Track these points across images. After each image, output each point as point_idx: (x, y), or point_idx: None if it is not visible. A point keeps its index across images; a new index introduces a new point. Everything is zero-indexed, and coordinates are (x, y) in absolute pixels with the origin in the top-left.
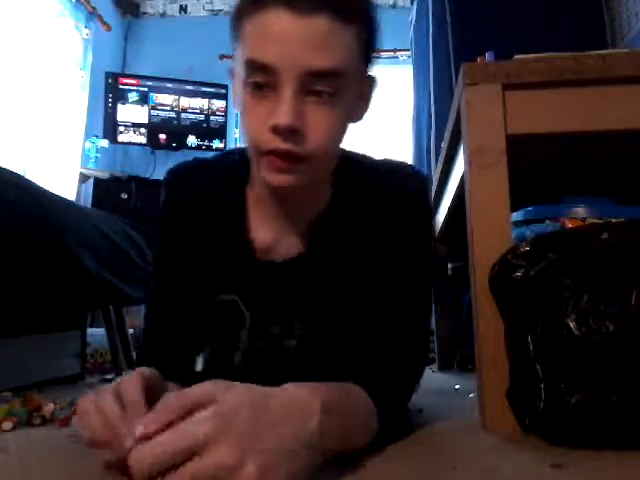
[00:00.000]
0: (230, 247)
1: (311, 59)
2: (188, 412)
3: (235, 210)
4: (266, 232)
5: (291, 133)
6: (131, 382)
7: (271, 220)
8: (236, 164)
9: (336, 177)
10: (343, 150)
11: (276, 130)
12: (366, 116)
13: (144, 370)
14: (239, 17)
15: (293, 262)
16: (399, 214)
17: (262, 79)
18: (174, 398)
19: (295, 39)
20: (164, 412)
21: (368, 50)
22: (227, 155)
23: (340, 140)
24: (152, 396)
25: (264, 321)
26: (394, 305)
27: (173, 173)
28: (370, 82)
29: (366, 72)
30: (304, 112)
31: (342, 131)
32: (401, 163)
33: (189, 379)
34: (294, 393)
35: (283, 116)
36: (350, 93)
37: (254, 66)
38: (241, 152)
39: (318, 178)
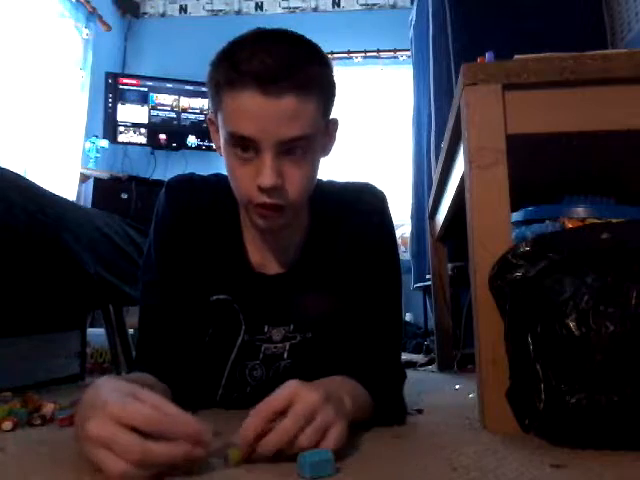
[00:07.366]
0: (228, 257)
1: (283, 131)
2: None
3: (233, 227)
4: (258, 251)
5: (274, 190)
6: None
7: (261, 242)
8: (230, 188)
9: (311, 206)
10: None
11: (262, 189)
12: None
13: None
14: (218, 87)
15: (282, 276)
16: (365, 232)
17: (244, 148)
18: (264, 405)
19: (269, 116)
20: (262, 416)
21: (329, 103)
22: (220, 177)
23: (314, 182)
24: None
25: (258, 320)
26: (373, 308)
27: (177, 182)
28: (334, 123)
29: (329, 119)
30: (282, 170)
31: (315, 175)
32: (361, 184)
33: (187, 379)
34: (331, 387)
35: (267, 178)
36: (318, 144)
37: (237, 137)
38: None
39: (297, 213)
